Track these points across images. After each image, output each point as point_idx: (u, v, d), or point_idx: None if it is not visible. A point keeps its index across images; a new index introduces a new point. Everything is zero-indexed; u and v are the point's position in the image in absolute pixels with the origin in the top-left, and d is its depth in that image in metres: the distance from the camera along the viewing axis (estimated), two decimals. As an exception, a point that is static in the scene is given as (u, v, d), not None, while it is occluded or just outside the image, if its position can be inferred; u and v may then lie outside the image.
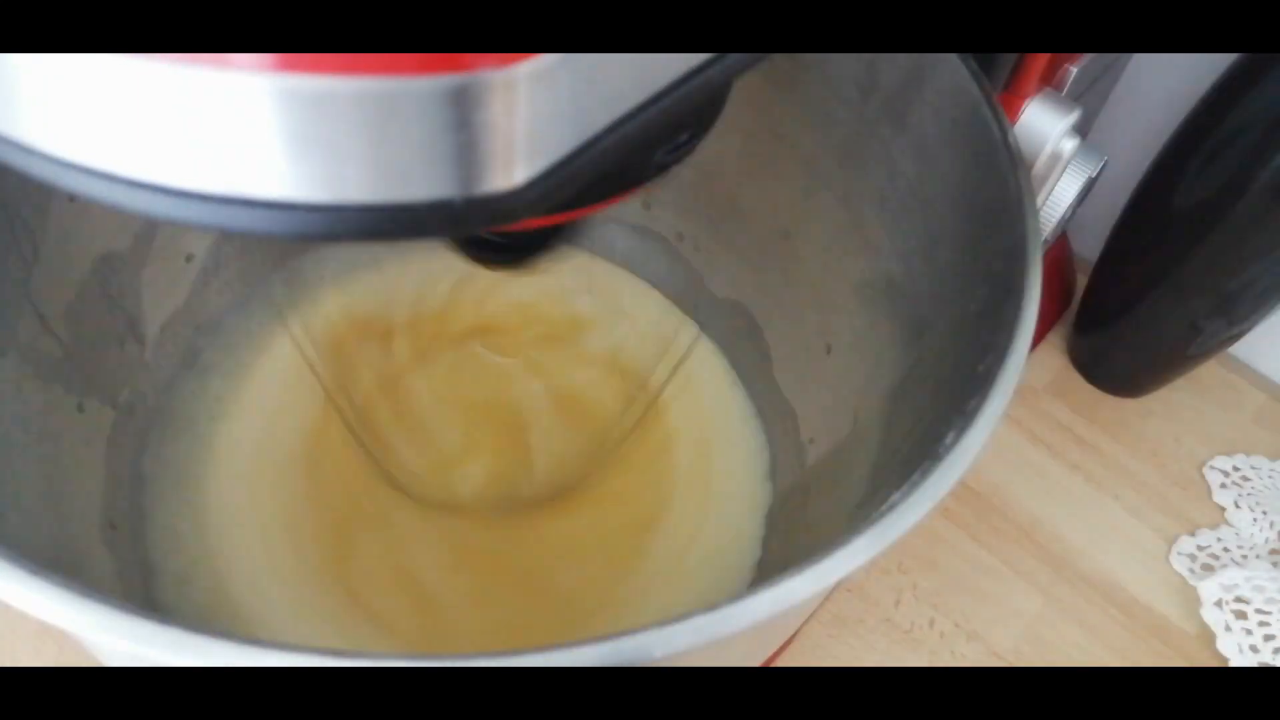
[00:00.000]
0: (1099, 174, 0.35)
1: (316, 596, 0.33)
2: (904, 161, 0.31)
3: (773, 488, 0.37)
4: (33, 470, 0.28)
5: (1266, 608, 0.39)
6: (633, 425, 0.39)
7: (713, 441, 0.39)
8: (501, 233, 0.22)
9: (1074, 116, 0.33)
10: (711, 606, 0.18)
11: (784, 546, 0.35)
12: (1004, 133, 0.27)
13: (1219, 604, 0.39)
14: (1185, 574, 0.41)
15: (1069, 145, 0.33)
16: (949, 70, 0.29)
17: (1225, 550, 0.42)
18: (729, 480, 0.38)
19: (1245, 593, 0.39)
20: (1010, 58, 0.32)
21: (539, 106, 0.13)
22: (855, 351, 0.35)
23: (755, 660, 0.33)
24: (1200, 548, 0.42)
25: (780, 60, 0.33)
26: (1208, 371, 0.47)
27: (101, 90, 0.12)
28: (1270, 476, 0.44)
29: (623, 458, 0.38)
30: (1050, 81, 0.34)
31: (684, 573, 0.35)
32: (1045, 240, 0.35)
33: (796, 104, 0.34)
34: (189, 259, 0.37)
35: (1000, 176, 0.27)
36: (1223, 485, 0.44)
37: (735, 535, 0.36)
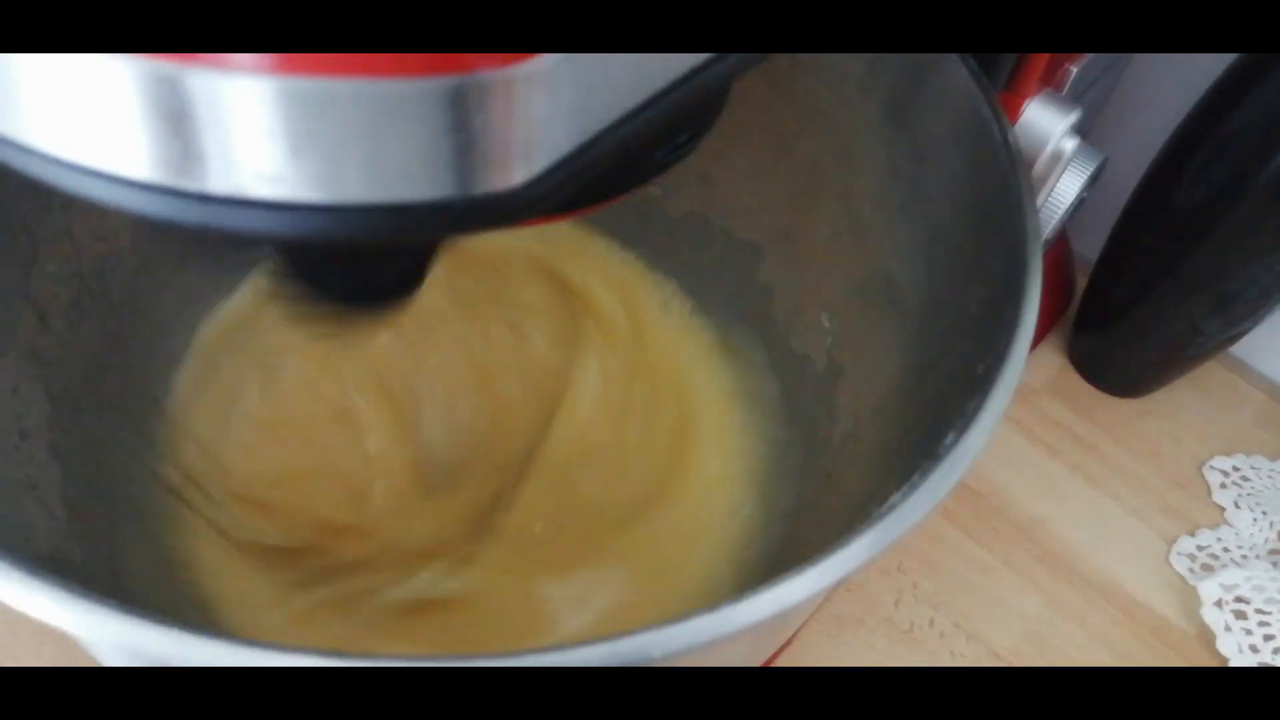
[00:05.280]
0: (1099, 173, 0.35)
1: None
2: (904, 161, 0.31)
3: (773, 489, 0.37)
4: (31, 471, 0.28)
5: (1266, 608, 0.39)
6: (640, 427, 0.39)
7: (711, 441, 0.39)
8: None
9: (1074, 116, 0.33)
10: (711, 606, 0.18)
11: (784, 547, 0.35)
12: (1004, 133, 0.27)
13: (1219, 604, 0.39)
14: (1185, 574, 0.41)
15: (1069, 145, 0.33)
16: (949, 70, 0.29)
17: (1225, 550, 0.42)
18: (729, 480, 0.38)
19: (1245, 593, 0.39)
20: (1010, 58, 0.32)
21: (539, 107, 0.13)
22: (855, 351, 0.35)
23: (755, 660, 0.33)
24: (1200, 548, 0.42)
25: (780, 60, 0.33)
26: (1208, 371, 0.47)
27: (101, 90, 0.12)
28: (1270, 476, 0.44)
29: (620, 457, 0.38)
30: (1050, 81, 0.34)
31: (685, 576, 0.35)
32: (1045, 240, 0.35)
33: (796, 104, 0.34)
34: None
35: (1000, 176, 0.27)
36: (1222, 485, 0.44)
37: (736, 535, 0.36)
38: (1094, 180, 0.35)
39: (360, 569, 0.34)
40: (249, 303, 0.39)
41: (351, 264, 0.18)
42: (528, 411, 0.39)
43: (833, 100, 0.33)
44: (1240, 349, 0.46)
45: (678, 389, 0.40)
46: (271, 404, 0.38)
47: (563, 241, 0.42)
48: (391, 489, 0.36)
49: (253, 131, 0.12)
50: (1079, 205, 0.35)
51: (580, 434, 0.38)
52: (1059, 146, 0.33)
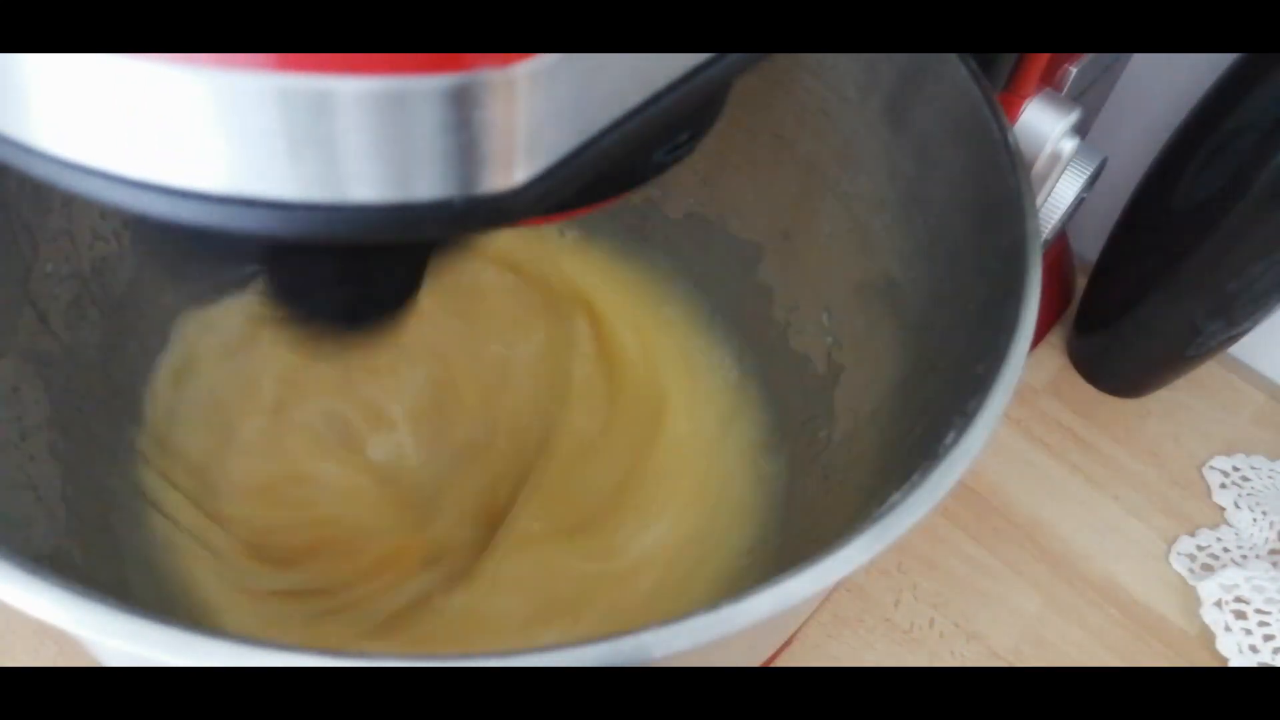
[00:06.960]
0: (1099, 173, 0.35)
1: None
2: (904, 161, 0.31)
3: (773, 488, 0.37)
4: (31, 470, 0.28)
5: (1266, 608, 0.39)
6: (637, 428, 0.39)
7: (712, 440, 0.39)
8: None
9: (1074, 116, 0.33)
10: (711, 606, 0.18)
11: (784, 546, 0.35)
12: (1004, 133, 0.27)
13: (1219, 604, 0.39)
14: (1185, 574, 0.41)
15: (1069, 145, 0.33)
16: (949, 70, 0.29)
17: (1225, 550, 0.42)
18: (730, 479, 0.38)
19: (1245, 593, 0.39)
20: (1010, 58, 0.32)
21: (539, 106, 0.13)
22: (855, 351, 0.35)
23: (755, 660, 0.33)
24: (1200, 548, 0.42)
25: (780, 60, 0.33)
26: (1207, 371, 0.47)
27: (102, 90, 0.12)
28: (1270, 476, 0.44)
29: (617, 458, 0.38)
30: (1050, 81, 0.34)
31: (681, 576, 0.35)
32: (1045, 240, 0.35)
33: (796, 104, 0.34)
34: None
35: (1000, 176, 0.27)
36: (1222, 485, 0.44)
37: (735, 535, 0.36)
38: (1093, 180, 0.35)
39: (358, 580, 0.34)
40: (246, 312, 0.38)
41: (340, 282, 0.18)
42: (524, 420, 0.39)
43: (833, 100, 0.33)
44: (1240, 349, 0.46)
45: (677, 388, 0.40)
46: (268, 427, 0.37)
47: (559, 241, 0.42)
48: (395, 525, 0.35)
49: (252, 130, 0.12)
50: (1079, 205, 0.35)
51: (576, 438, 0.38)
52: (1058, 147, 0.33)
